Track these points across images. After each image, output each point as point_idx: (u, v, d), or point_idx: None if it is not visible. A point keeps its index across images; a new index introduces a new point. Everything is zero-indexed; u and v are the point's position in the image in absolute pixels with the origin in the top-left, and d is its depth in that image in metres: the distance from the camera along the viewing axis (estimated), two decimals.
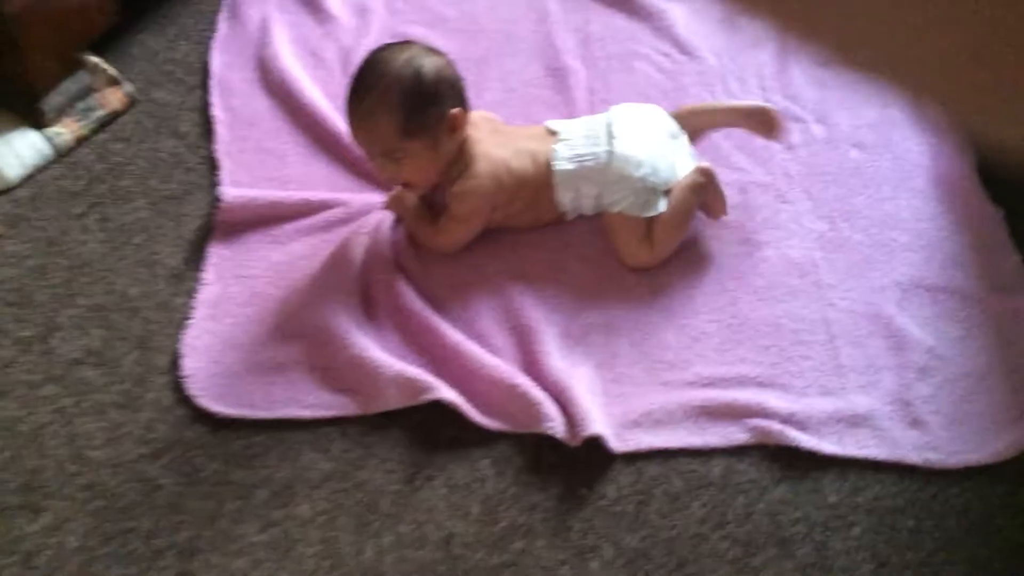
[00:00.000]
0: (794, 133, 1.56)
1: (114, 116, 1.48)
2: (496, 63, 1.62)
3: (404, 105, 1.24)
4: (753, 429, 1.23)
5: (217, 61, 1.57)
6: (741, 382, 1.28)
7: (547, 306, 1.32)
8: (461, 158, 1.32)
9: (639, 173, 1.33)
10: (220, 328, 1.28)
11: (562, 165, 1.35)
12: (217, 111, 1.50)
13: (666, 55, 1.65)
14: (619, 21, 1.71)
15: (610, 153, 1.34)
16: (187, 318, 1.28)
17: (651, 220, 1.35)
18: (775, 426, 1.23)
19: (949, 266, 1.42)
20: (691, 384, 1.27)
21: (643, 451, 1.21)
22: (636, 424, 1.23)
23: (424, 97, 1.25)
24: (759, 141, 1.53)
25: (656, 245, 1.36)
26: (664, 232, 1.36)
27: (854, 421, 1.25)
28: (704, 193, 1.38)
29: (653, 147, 1.37)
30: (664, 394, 1.26)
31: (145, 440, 1.18)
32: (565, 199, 1.37)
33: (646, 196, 1.34)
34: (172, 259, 1.35)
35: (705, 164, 1.38)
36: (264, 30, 1.61)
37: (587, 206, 1.39)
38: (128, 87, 1.50)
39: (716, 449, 1.22)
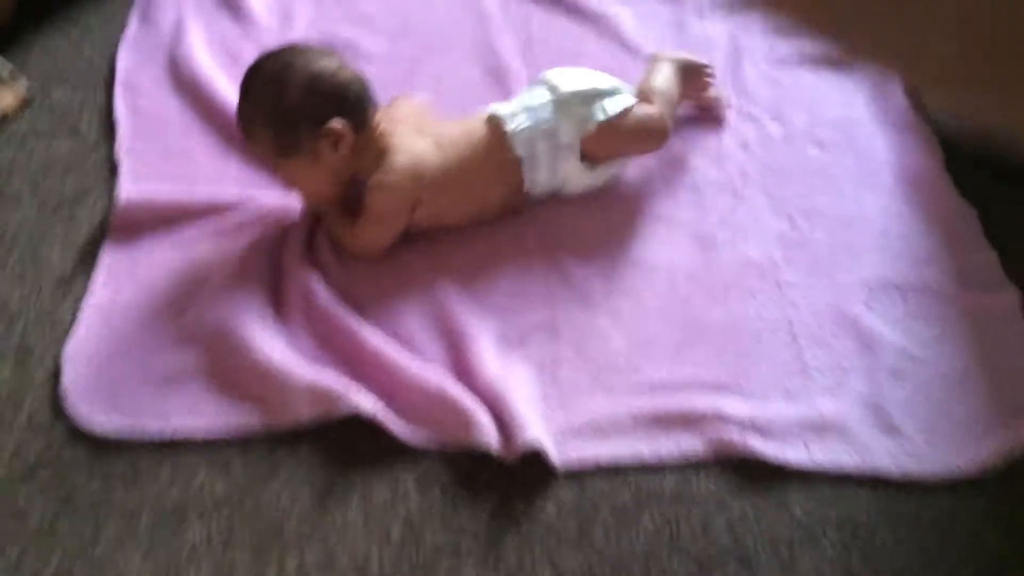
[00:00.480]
0: (749, 132, 1.46)
1: (4, 117, 1.35)
2: (429, 62, 1.51)
3: (269, 126, 1.14)
4: (710, 438, 1.10)
5: (124, 60, 1.45)
6: (696, 387, 1.15)
7: (481, 307, 1.19)
8: (375, 153, 1.20)
9: (592, 87, 1.28)
10: (109, 336, 1.13)
11: (502, 110, 1.26)
12: (120, 109, 1.38)
13: (612, 56, 1.56)
14: (562, 23, 1.61)
15: (554, 88, 1.27)
16: (72, 326, 1.14)
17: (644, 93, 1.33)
18: (734, 434, 1.10)
19: (920, 264, 1.31)
20: (641, 390, 1.14)
21: (587, 464, 1.07)
22: (579, 434, 1.09)
23: (289, 116, 1.13)
24: (711, 140, 1.44)
25: (661, 106, 1.33)
26: (658, 94, 1.33)
27: (821, 427, 1.12)
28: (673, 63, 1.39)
29: (592, 75, 1.32)
30: (611, 401, 1.13)
31: (15, 460, 1.03)
32: (520, 140, 1.24)
33: (602, 98, 1.28)
34: (60, 265, 1.20)
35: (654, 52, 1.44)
36: (178, 30, 1.49)
37: (542, 158, 1.26)
38: (23, 85, 1.37)
39: (669, 461, 1.09)
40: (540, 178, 1.28)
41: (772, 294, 1.25)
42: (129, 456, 1.04)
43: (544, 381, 1.14)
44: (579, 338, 1.18)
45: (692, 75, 1.42)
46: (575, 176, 1.29)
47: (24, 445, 1.04)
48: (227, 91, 1.39)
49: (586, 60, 1.52)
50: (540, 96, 1.28)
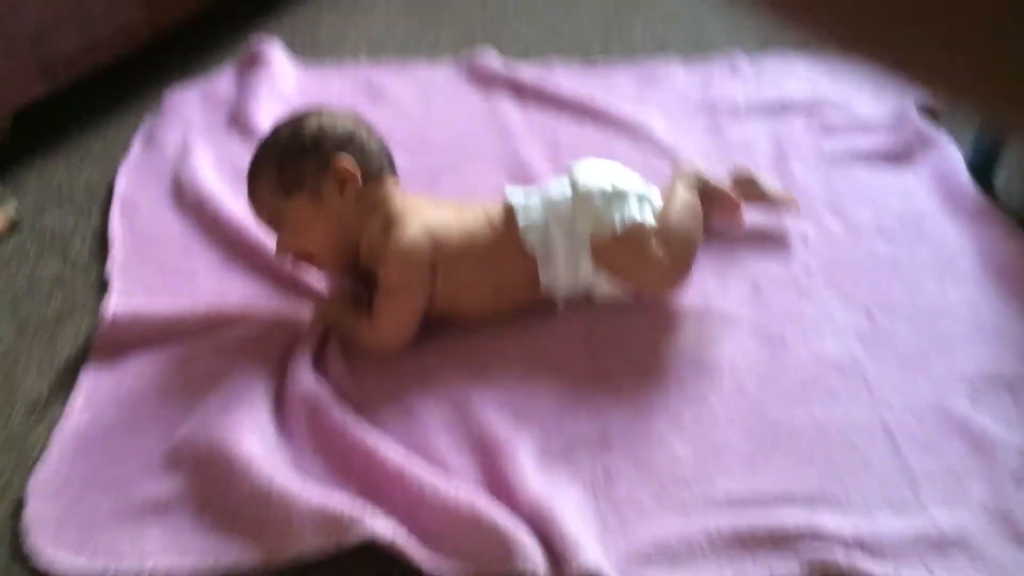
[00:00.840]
0: (807, 227, 1.32)
1: None
2: (451, 172, 1.40)
3: (278, 160, 1.08)
4: (808, 559, 0.89)
5: (123, 181, 1.35)
6: (784, 499, 0.95)
7: (516, 416, 1.02)
8: (384, 219, 1.10)
9: (613, 187, 1.13)
10: (83, 464, 0.96)
11: (520, 200, 1.14)
12: (115, 228, 1.26)
13: (645, 162, 1.43)
14: (590, 132, 1.51)
15: (574, 181, 1.14)
16: (43, 455, 0.97)
17: (656, 231, 1.14)
18: (837, 554, 0.89)
19: None
20: (717, 505, 0.95)
21: None
22: (647, 559, 0.89)
23: (300, 149, 1.08)
24: (765, 235, 1.30)
25: (673, 257, 1.14)
26: (676, 242, 1.14)
27: (942, 543, 0.91)
28: (696, 188, 1.22)
29: (623, 173, 1.18)
30: (682, 519, 0.93)
31: None
32: (534, 237, 1.11)
33: (623, 203, 1.13)
34: (35, 389, 1.05)
35: (680, 166, 1.27)
36: (184, 151, 1.40)
37: (559, 254, 1.11)
38: (10, 209, 1.27)
39: None
40: (559, 276, 1.13)
41: (859, 394, 1.07)
42: None
43: (598, 500, 0.95)
44: (636, 449, 1.00)
45: (716, 200, 1.25)
46: (600, 279, 1.15)
47: None
48: (233, 206, 1.28)
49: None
50: (561, 188, 1.15)
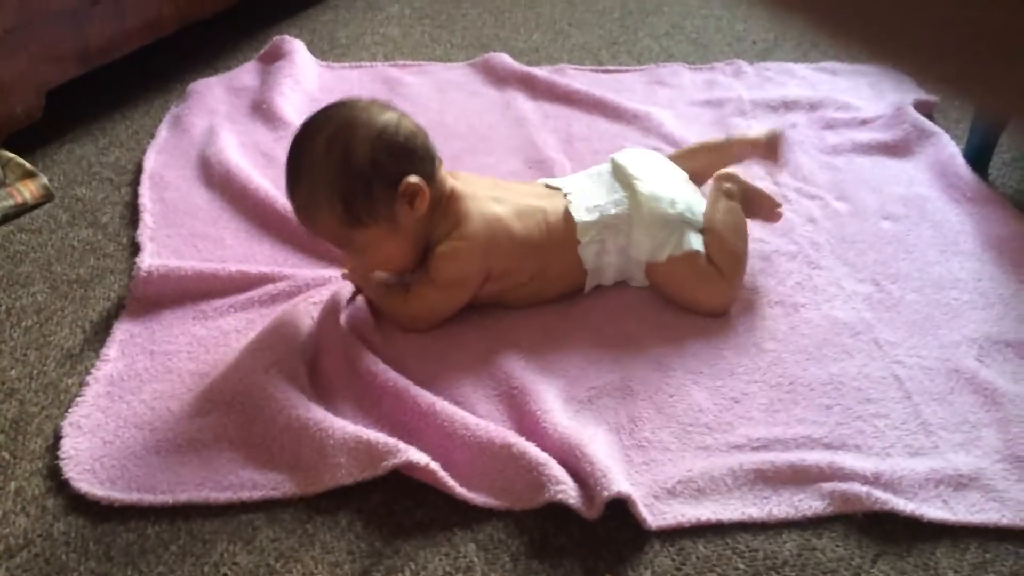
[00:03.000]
0: (813, 208, 1.36)
1: (24, 209, 1.27)
2: (470, 160, 1.44)
3: (338, 196, 1.00)
4: (830, 495, 0.92)
5: (152, 160, 1.38)
6: (804, 444, 0.98)
7: (543, 370, 1.05)
8: (448, 216, 1.08)
9: (674, 210, 1.14)
10: (117, 406, 0.98)
11: (582, 216, 1.12)
12: (145, 201, 1.29)
13: (657, 150, 1.48)
14: (602, 124, 1.56)
15: (634, 195, 1.14)
16: (77, 398, 0.99)
17: (707, 253, 1.15)
18: (859, 489, 0.92)
19: None
20: (739, 447, 0.97)
21: (686, 527, 0.89)
22: (672, 494, 0.92)
23: (360, 180, 1.00)
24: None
25: (726, 271, 1.15)
26: (726, 256, 1.15)
27: (959, 482, 0.95)
28: (738, 195, 1.20)
29: (676, 184, 1.19)
30: (705, 459, 0.96)
31: None
32: (589, 254, 1.13)
33: (681, 231, 1.14)
34: (68, 341, 1.07)
35: (722, 171, 1.22)
36: (210, 134, 1.44)
37: (610, 269, 1.15)
38: (43, 180, 1.30)
39: (784, 522, 0.90)
40: (606, 282, 1.18)
41: (872, 352, 1.11)
42: (134, 530, 0.86)
43: (623, 442, 0.97)
44: (657, 397, 1.03)
45: (757, 202, 1.23)
46: (641, 279, 1.18)
47: (10, 518, 0.86)
48: (261, 182, 1.31)
49: None
50: (618, 201, 1.14)
